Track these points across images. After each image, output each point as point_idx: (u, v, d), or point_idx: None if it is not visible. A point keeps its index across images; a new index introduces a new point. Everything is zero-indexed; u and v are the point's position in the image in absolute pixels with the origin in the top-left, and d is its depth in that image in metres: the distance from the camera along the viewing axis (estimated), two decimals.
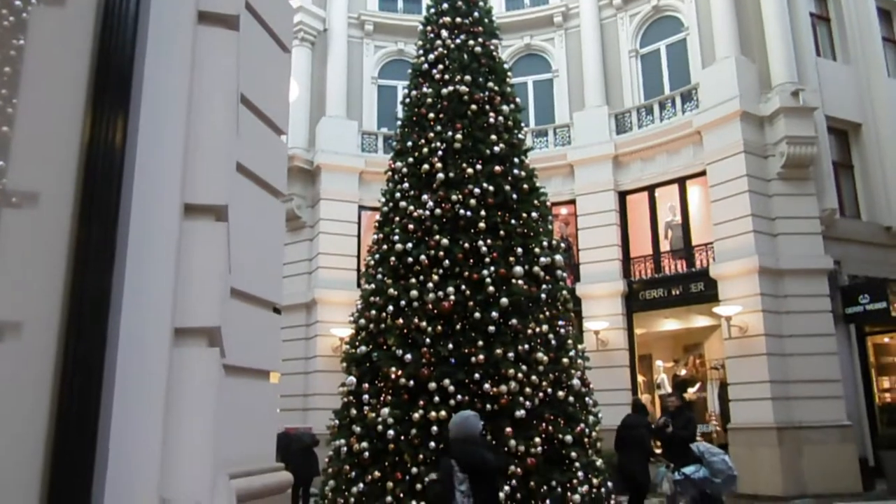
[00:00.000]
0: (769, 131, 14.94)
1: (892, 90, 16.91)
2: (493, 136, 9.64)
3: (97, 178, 1.71)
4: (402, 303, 8.86)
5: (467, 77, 9.89)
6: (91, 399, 1.51)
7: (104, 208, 1.67)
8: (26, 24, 1.98)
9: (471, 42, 10.22)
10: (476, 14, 10.50)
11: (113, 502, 1.64)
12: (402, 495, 7.84)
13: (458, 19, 10.36)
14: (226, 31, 2.16)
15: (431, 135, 9.70)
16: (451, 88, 9.84)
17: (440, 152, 9.52)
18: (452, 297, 8.61)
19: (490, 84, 10.04)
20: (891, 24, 18.46)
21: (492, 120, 9.78)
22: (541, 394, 8.48)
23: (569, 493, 8.02)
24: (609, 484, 9.03)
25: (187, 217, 1.89)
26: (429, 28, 10.60)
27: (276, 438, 3.54)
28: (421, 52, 10.62)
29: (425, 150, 9.65)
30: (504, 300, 8.62)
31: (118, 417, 1.66)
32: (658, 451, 14.40)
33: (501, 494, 7.64)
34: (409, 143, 9.95)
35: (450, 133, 9.56)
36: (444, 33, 10.31)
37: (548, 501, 7.58)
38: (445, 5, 10.51)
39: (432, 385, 8.22)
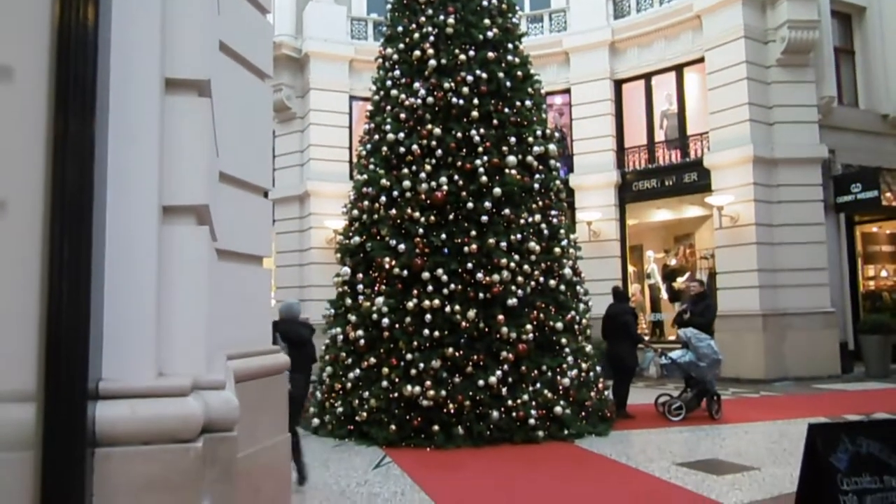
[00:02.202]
0: (771, 15, 14.45)
1: None
2: (487, 21, 9.31)
3: (71, 52, 1.63)
4: (395, 193, 8.84)
5: None
6: (81, 276, 1.51)
7: (80, 84, 1.61)
8: None
9: None
10: None
11: (112, 376, 1.68)
12: (397, 380, 8.12)
13: None
14: None
15: (423, 19, 9.36)
16: None
17: (432, 38, 9.22)
18: (445, 188, 8.59)
19: None
20: None
21: (485, 3, 9.42)
22: (533, 282, 8.63)
23: (559, 377, 8.33)
24: (598, 368, 9.36)
25: (169, 92, 1.83)
26: None
27: (272, 324, 3.60)
28: None
29: (416, 35, 9.34)
30: (497, 190, 8.61)
31: (111, 295, 1.68)
32: (646, 337, 14.84)
33: (493, 378, 7.93)
34: (400, 29, 9.62)
35: (442, 17, 9.23)
36: None
37: None
38: None
39: (426, 275, 8.34)
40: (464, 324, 8.16)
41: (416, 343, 8.17)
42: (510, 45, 9.47)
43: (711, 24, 14.79)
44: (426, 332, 8.16)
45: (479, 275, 8.31)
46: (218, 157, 2.49)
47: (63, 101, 1.61)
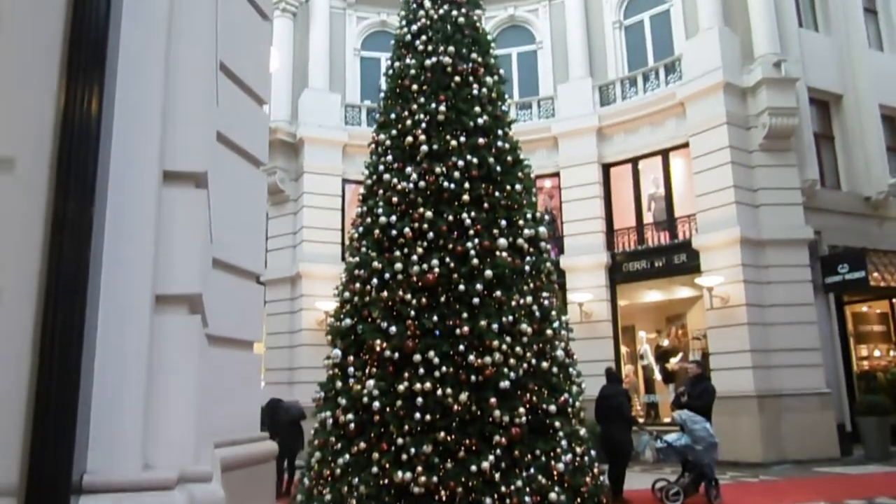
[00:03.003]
0: (751, 102, 14.99)
1: (872, 61, 16.98)
2: (477, 108, 9.59)
3: (73, 144, 1.68)
4: (387, 275, 8.86)
5: (451, 48, 9.80)
6: (71, 365, 1.51)
7: (81, 175, 1.65)
8: None
9: (454, 13, 10.12)
10: None
11: (97, 468, 1.65)
12: (387, 466, 7.91)
13: None
14: None
15: (415, 107, 9.63)
16: (434, 60, 9.75)
17: (424, 124, 9.47)
18: (437, 270, 8.62)
19: (474, 55, 9.96)
20: None
21: (475, 92, 9.72)
22: (525, 365, 8.55)
23: (553, 462, 8.14)
24: (593, 452, 9.18)
25: (166, 184, 1.87)
26: None
27: (261, 407, 3.55)
28: (404, 22, 10.49)
29: (409, 122, 9.59)
30: (488, 272, 8.64)
31: (100, 384, 1.66)
32: (640, 419, 14.63)
33: (486, 464, 7.73)
34: (393, 116, 9.88)
35: (433, 105, 9.50)
36: (427, 4, 10.19)
37: None
38: None
39: (417, 357, 8.26)
40: (456, 407, 8.04)
41: (407, 427, 8.01)
42: (500, 132, 9.72)
43: (695, 112, 15.29)
44: (417, 415, 8.01)
45: (471, 357, 8.24)
46: (212, 244, 2.52)
47: (64, 189, 1.65)
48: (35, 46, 1.76)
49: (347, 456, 8.28)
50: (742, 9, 15.48)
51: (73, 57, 1.73)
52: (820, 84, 16.23)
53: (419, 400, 8.07)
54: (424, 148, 9.28)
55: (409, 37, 10.22)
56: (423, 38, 10.02)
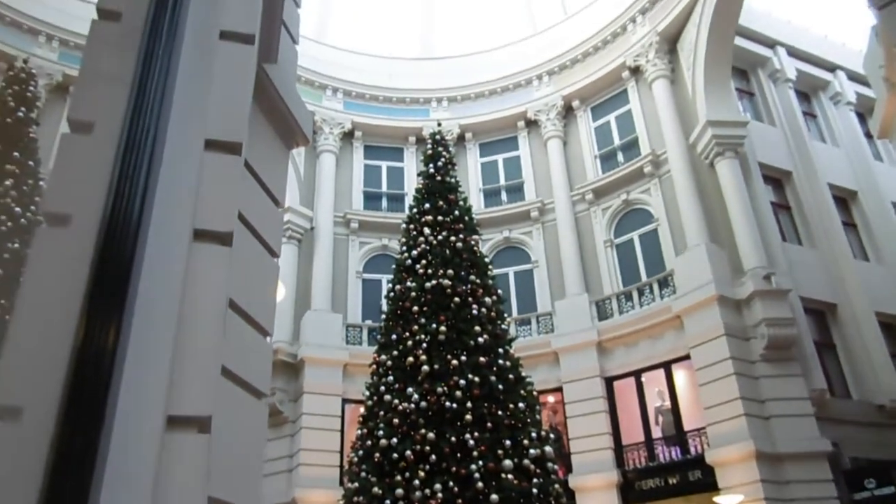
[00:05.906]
0: (747, 314, 15.24)
1: (860, 271, 17.50)
2: (477, 328, 9.78)
3: (83, 390, 1.71)
4: (387, 502, 8.46)
5: (450, 271, 10.23)
6: None
7: (87, 421, 1.66)
8: (30, 235, 2.09)
9: (452, 238, 10.71)
10: (456, 212, 11.10)
11: None
12: None
13: (440, 217, 10.93)
14: (219, 247, 2.27)
15: (416, 327, 9.83)
16: (434, 282, 10.14)
17: (424, 344, 9.60)
18: (440, 495, 8.27)
19: (472, 277, 10.38)
20: (848, 209, 19.51)
21: (475, 311, 9.98)
22: None
23: None
24: None
25: (169, 430, 1.87)
26: (412, 226, 11.15)
27: None
28: (404, 248, 11.06)
29: (410, 342, 9.74)
30: (494, 497, 8.27)
31: None
32: None
33: None
34: (394, 336, 10.04)
35: (434, 325, 9.70)
36: (427, 230, 10.82)
37: None
38: (427, 205, 11.13)
39: None
40: None
41: None
42: (501, 350, 9.84)
43: (692, 324, 15.50)
44: None
45: None
46: (209, 482, 2.45)
47: (68, 434, 1.65)
48: (58, 295, 1.86)
49: None
50: (726, 226, 16.32)
51: (93, 305, 1.81)
52: (812, 294, 16.59)
53: None
54: (426, 368, 9.32)
55: (409, 261, 10.72)
56: (423, 262, 10.51)
